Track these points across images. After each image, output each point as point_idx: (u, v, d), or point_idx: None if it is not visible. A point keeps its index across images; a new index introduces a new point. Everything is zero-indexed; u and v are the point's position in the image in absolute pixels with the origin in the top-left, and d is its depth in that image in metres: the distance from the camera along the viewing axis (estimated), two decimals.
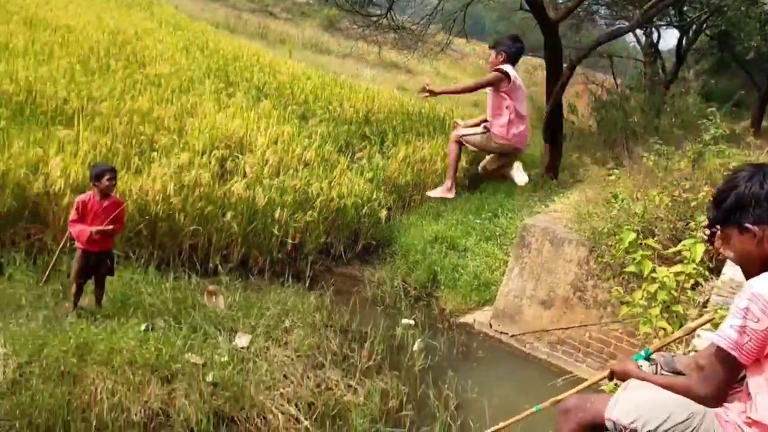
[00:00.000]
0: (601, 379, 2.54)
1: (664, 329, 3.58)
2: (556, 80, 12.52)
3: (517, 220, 10.10)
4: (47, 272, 6.37)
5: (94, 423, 4.98)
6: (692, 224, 5.82)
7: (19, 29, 11.88)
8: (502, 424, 2.82)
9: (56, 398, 4.96)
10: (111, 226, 5.84)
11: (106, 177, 5.77)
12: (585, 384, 2.55)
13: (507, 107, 6.54)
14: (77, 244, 5.93)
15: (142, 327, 5.99)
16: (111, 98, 9.30)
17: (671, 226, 6.95)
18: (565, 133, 13.78)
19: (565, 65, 12.34)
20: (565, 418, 2.34)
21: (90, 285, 6.21)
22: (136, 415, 5.12)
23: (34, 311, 5.84)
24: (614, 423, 2.24)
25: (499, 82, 6.20)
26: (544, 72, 14.12)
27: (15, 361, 5.24)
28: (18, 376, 5.16)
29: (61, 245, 6.28)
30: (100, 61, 11.23)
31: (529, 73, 21.13)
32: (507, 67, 6.51)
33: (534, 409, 2.68)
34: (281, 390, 5.91)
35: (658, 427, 2.23)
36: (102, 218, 5.84)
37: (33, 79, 9.06)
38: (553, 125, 12.75)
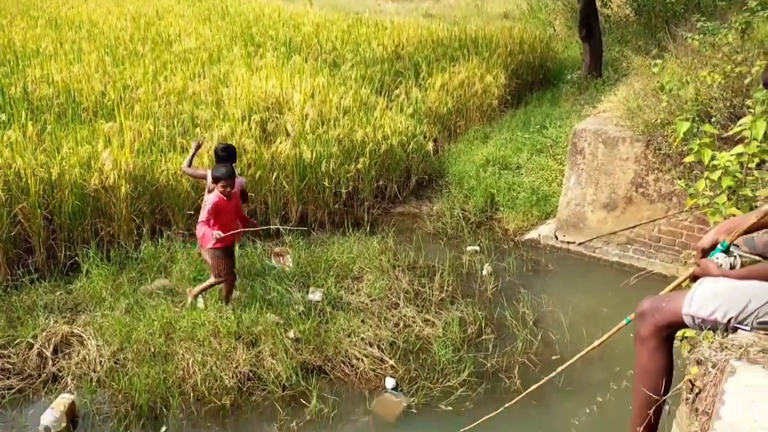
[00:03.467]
0: (683, 280, 2.47)
1: (734, 215, 3.44)
2: None
3: (566, 128, 9.87)
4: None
5: (191, 395, 5.24)
6: (749, 101, 5.53)
7: (46, 32, 12.12)
8: (596, 343, 2.77)
9: (152, 378, 5.23)
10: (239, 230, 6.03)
11: (221, 184, 5.73)
12: (667, 289, 2.48)
13: None
14: (214, 245, 5.85)
15: (199, 304, 6.18)
16: (145, 83, 9.43)
17: (727, 104, 6.63)
18: (602, 27, 13.21)
19: None
20: (642, 321, 2.29)
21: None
22: (228, 381, 5.36)
23: (115, 301, 6.12)
24: (693, 317, 2.19)
25: None
26: None
27: (108, 350, 5.54)
28: (113, 364, 5.47)
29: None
30: (128, 48, 11.36)
31: None
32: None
33: (624, 322, 2.62)
34: (362, 335, 6.05)
35: (740, 313, 2.17)
36: (232, 215, 5.95)
37: (68, 79, 9.27)
38: (588, 21, 12.22)
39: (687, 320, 2.22)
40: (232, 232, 5.87)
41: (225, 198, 5.81)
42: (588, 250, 8.04)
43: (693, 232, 7.30)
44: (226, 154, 6.11)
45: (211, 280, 6.10)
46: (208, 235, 5.86)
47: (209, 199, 5.84)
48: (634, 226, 7.53)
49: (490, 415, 3.91)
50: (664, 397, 2.23)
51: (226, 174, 5.74)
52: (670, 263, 7.50)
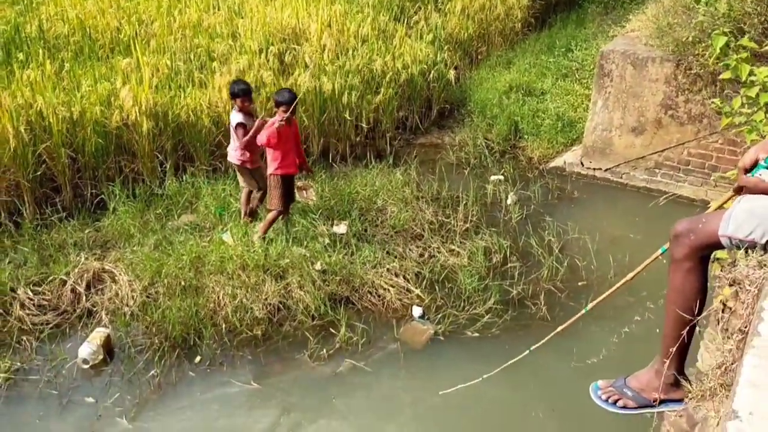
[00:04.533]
0: (728, 199, 2.38)
1: None
2: None
3: (593, 50, 9.59)
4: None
5: (223, 326, 5.35)
6: None
7: None
8: (630, 276, 2.72)
9: (184, 311, 5.34)
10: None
11: (282, 108, 5.79)
12: (709, 210, 2.40)
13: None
14: (274, 171, 6.01)
15: (223, 235, 6.23)
16: (160, 16, 9.25)
17: (762, 20, 6.34)
18: None
19: None
20: (677, 242, 2.24)
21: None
22: (258, 312, 5.45)
23: (144, 237, 6.20)
24: (730, 239, 2.12)
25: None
26: None
27: (139, 284, 5.65)
28: (145, 298, 5.59)
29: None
30: None
31: None
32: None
33: (660, 252, 2.56)
34: (387, 266, 6.09)
35: None
36: (292, 143, 6.02)
37: (83, 15, 9.13)
38: None
39: (724, 242, 2.16)
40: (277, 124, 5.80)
41: (285, 123, 5.84)
42: (615, 176, 7.92)
43: (723, 154, 7.15)
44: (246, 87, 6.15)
45: (272, 213, 6.17)
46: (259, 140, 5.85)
47: (270, 121, 5.88)
48: (663, 150, 7.38)
49: (514, 360, 3.90)
50: (698, 317, 2.21)
51: (289, 98, 5.80)
52: (699, 186, 7.38)
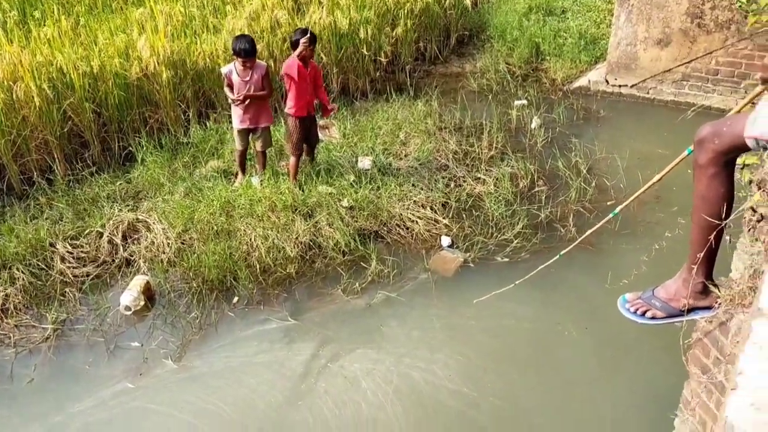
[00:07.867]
0: (755, 96, 2.32)
1: None
2: None
3: None
4: None
5: (257, 266, 5.47)
6: None
7: None
8: (655, 178, 2.70)
9: (219, 254, 5.45)
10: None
11: (303, 41, 5.63)
12: (731, 113, 2.34)
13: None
14: (291, 113, 6.02)
15: (252, 179, 6.31)
16: None
17: None
18: None
19: None
20: (701, 147, 2.20)
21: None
22: (291, 251, 5.55)
23: (173, 186, 6.31)
24: (756, 139, 2.07)
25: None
26: None
27: (174, 232, 5.77)
28: (180, 244, 5.71)
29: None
30: None
31: None
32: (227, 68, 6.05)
33: (685, 153, 2.52)
34: (413, 198, 6.12)
35: None
36: (309, 85, 5.97)
37: None
38: None
39: (750, 143, 2.12)
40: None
41: (302, 63, 5.79)
42: (641, 92, 7.75)
43: (753, 61, 6.91)
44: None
45: (291, 160, 6.20)
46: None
47: (286, 62, 5.85)
48: (690, 61, 7.16)
49: (545, 264, 3.98)
50: (725, 222, 2.20)
51: (302, 34, 5.69)
52: (729, 96, 7.19)
